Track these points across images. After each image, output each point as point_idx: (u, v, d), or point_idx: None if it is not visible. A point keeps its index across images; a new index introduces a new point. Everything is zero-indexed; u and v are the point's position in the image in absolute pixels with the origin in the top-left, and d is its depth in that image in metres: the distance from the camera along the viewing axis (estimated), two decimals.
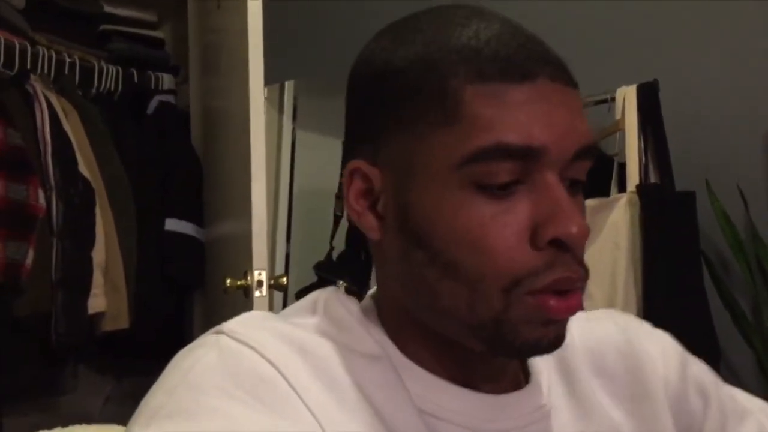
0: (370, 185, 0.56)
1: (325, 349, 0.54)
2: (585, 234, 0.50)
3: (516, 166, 0.50)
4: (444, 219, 0.52)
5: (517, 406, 0.58)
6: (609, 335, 0.68)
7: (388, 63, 0.54)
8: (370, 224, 0.57)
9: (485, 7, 0.56)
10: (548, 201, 0.50)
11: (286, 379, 0.50)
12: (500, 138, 0.49)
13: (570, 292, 0.51)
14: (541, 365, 0.62)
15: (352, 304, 0.59)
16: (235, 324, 0.53)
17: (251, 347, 0.51)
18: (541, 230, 0.50)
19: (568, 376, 0.63)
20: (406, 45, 0.54)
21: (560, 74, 0.52)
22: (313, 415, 0.50)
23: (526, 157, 0.50)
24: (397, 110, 0.54)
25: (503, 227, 0.50)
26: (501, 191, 0.51)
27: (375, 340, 0.57)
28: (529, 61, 0.51)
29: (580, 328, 0.66)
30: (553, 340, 0.53)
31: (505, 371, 0.60)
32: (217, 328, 0.53)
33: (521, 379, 0.61)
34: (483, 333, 0.52)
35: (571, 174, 0.52)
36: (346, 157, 0.58)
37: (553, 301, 0.51)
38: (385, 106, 0.54)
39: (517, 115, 0.50)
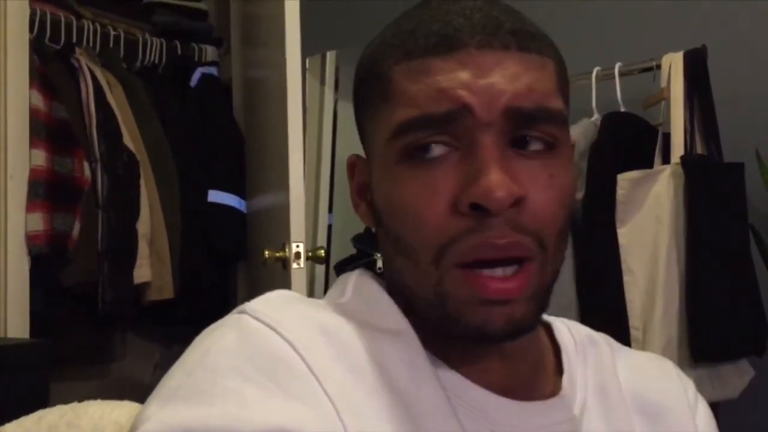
0: (363, 177, 0.59)
1: (348, 330, 0.54)
2: (507, 196, 0.48)
3: (444, 134, 0.51)
4: (387, 194, 0.54)
5: (537, 415, 0.57)
6: (668, 385, 0.66)
7: (361, 59, 0.59)
8: (362, 213, 0.60)
9: None
10: (473, 164, 0.50)
11: (305, 361, 0.50)
12: (422, 109, 0.51)
13: (516, 270, 0.50)
14: (579, 384, 0.61)
15: (380, 283, 0.59)
16: (258, 303, 0.54)
17: (272, 328, 0.51)
18: (462, 195, 0.50)
19: (606, 401, 0.61)
20: (375, 40, 0.58)
21: (496, 40, 0.51)
22: (330, 398, 0.49)
23: (450, 123, 0.50)
24: (363, 103, 0.58)
25: (431, 195, 0.51)
26: (430, 160, 0.51)
27: (401, 320, 0.56)
28: (457, 32, 0.52)
29: (634, 366, 0.65)
30: (503, 326, 0.50)
31: (535, 374, 0.59)
32: (241, 307, 0.54)
33: (553, 391, 0.60)
34: (434, 312, 0.53)
35: (519, 133, 0.51)
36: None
37: (483, 279, 0.50)
38: (359, 99, 0.59)
39: (437, 85, 0.51)
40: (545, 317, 0.64)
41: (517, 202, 0.49)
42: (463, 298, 0.50)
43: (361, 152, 0.61)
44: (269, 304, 0.54)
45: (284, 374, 0.49)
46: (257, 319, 0.52)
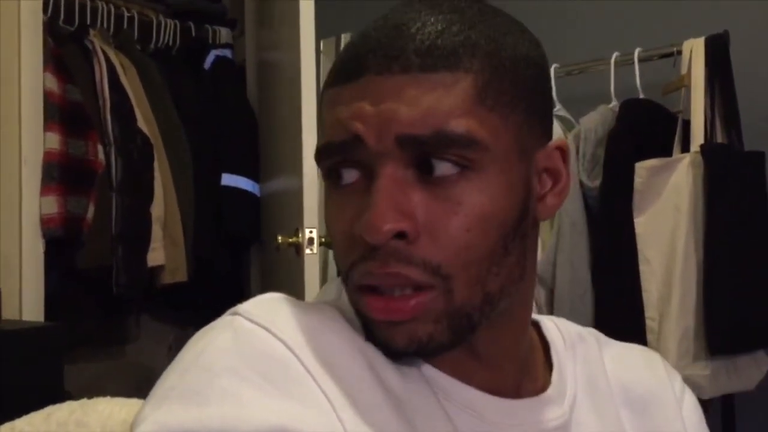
0: None
1: (340, 331, 0.54)
2: (387, 231, 0.49)
3: (351, 161, 0.52)
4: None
5: (527, 411, 0.58)
6: (654, 377, 0.67)
7: None
8: None
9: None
10: (368, 195, 0.51)
11: (300, 360, 0.50)
12: (327, 137, 0.53)
13: (401, 290, 0.50)
14: (569, 380, 0.62)
15: None
16: (251, 305, 0.54)
17: (266, 328, 0.51)
18: (354, 225, 0.51)
19: (595, 395, 0.62)
20: None
21: (395, 64, 0.50)
22: (327, 397, 0.49)
23: (348, 152, 0.52)
24: None
25: (339, 221, 0.53)
26: (341, 185, 0.53)
27: None
28: (359, 60, 0.52)
29: (620, 359, 0.66)
30: (405, 344, 0.51)
31: (524, 372, 0.59)
32: (233, 309, 0.54)
33: (543, 387, 0.60)
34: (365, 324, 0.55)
35: (420, 159, 0.50)
36: None
37: (371, 300, 0.51)
38: None
39: (338, 114, 0.52)
40: (534, 316, 0.64)
41: (402, 235, 0.49)
42: (365, 318, 0.53)
43: None
44: (261, 305, 0.54)
45: (280, 374, 0.49)
46: (251, 321, 0.51)
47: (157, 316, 2.45)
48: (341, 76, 0.53)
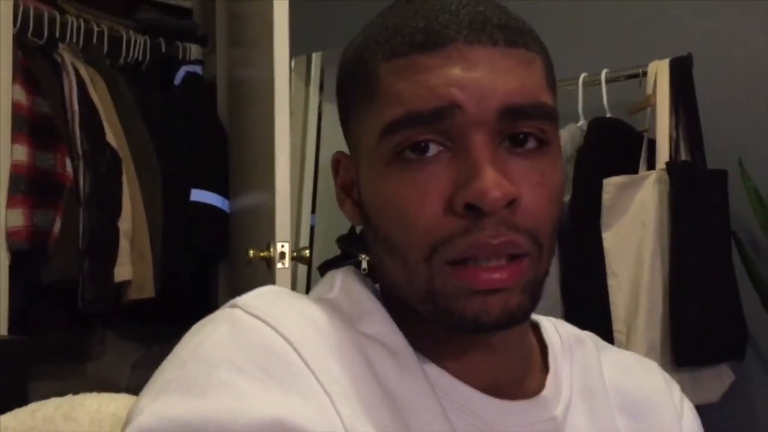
0: (349, 175, 0.59)
1: (338, 326, 0.53)
2: (503, 196, 0.48)
3: (432, 132, 0.50)
4: (376, 195, 0.54)
5: (522, 413, 0.57)
6: (653, 384, 0.66)
7: (344, 57, 0.58)
8: (348, 212, 0.60)
9: None
10: (467, 163, 0.50)
11: (299, 354, 0.49)
12: (408, 107, 0.50)
13: (505, 260, 0.50)
14: (564, 383, 0.61)
15: (369, 284, 0.59)
16: (250, 298, 0.53)
17: (265, 321, 0.50)
18: (456, 195, 0.49)
19: (591, 400, 0.62)
20: (358, 38, 0.57)
21: (484, 36, 0.51)
22: (326, 391, 0.49)
23: (438, 120, 0.50)
24: (349, 100, 0.57)
25: (423, 195, 0.51)
26: (420, 160, 0.51)
27: (386, 321, 0.56)
28: (444, 29, 0.51)
29: (619, 365, 0.66)
30: (498, 314, 0.51)
31: (521, 373, 0.59)
32: (232, 302, 0.53)
33: (538, 390, 0.60)
34: (426, 307, 0.53)
35: (519, 131, 0.51)
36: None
37: (474, 272, 0.50)
38: (345, 97, 0.58)
39: (425, 82, 0.50)
40: (533, 316, 0.64)
41: (511, 202, 0.49)
42: (455, 292, 0.51)
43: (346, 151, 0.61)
44: (260, 298, 0.53)
45: (279, 367, 0.48)
46: (250, 314, 0.51)
47: (122, 333, 2.40)
48: (416, 45, 0.51)
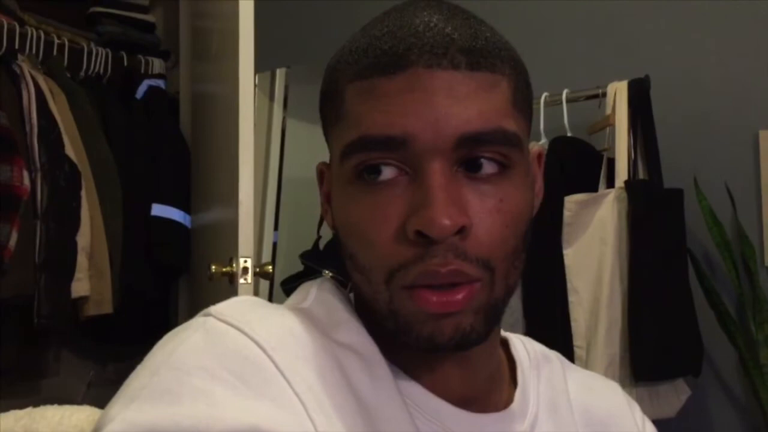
0: (330, 186, 0.59)
1: (312, 335, 0.54)
2: (451, 225, 0.49)
3: (388, 157, 0.51)
4: (341, 212, 0.55)
5: (490, 425, 0.58)
6: (615, 403, 0.69)
7: (325, 72, 0.58)
8: (330, 222, 0.60)
9: (440, 2, 0.56)
10: (420, 190, 0.50)
11: (273, 361, 0.49)
12: (363, 131, 0.51)
13: (454, 285, 0.50)
14: (532, 398, 0.62)
15: (343, 295, 0.59)
16: (224, 307, 0.53)
17: (239, 328, 0.50)
18: (408, 221, 0.50)
19: (556, 415, 0.63)
20: (336, 54, 0.57)
21: (445, 60, 0.50)
22: (299, 398, 0.49)
23: (391, 147, 0.50)
24: (324, 118, 0.58)
25: (381, 220, 0.51)
26: (378, 183, 0.51)
27: (360, 331, 0.56)
28: (404, 52, 0.51)
29: (583, 384, 0.67)
30: (450, 336, 0.51)
31: (490, 387, 0.60)
32: (206, 311, 0.53)
33: (507, 404, 0.61)
34: (388, 324, 0.54)
35: (479, 155, 0.51)
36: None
37: (426, 295, 0.50)
38: (322, 115, 0.59)
39: (382, 107, 0.50)
40: (503, 333, 0.65)
41: (461, 230, 0.50)
42: (411, 314, 0.52)
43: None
44: (234, 307, 0.53)
45: (253, 374, 0.48)
46: (223, 321, 0.51)
47: (78, 351, 2.36)
48: (378, 68, 0.51)
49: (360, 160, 0.51)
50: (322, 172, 0.62)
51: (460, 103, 0.50)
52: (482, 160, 0.51)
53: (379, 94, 0.51)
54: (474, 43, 0.52)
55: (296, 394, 0.49)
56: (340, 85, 0.54)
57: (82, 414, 0.65)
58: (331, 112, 0.55)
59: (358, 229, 0.52)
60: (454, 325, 0.51)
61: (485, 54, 0.52)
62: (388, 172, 0.51)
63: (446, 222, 0.48)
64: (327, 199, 0.61)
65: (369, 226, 0.52)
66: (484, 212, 0.51)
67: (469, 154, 0.51)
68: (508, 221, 0.52)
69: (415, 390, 0.56)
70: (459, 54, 0.51)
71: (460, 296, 0.50)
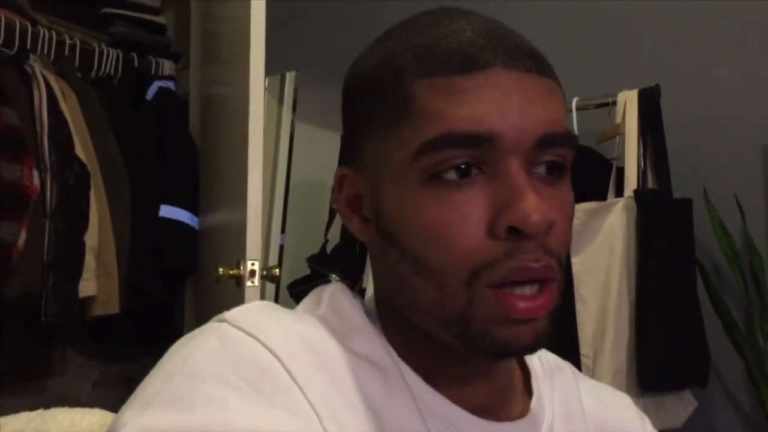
0: (356, 190, 0.58)
1: (326, 342, 0.54)
2: (544, 220, 0.49)
3: (470, 155, 0.50)
4: (407, 215, 0.52)
5: None
6: (628, 416, 0.69)
7: (361, 71, 0.57)
8: (356, 227, 0.59)
9: (471, 10, 0.56)
10: (506, 188, 0.50)
11: (287, 369, 0.49)
12: (447, 128, 0.50)
13: (540, 288, 0.51)
14: (547, 407, 0.62)
15: (357, 301, 0.59)
16: (238, 312, 0.53)
17: (253, 336, 0.50)
18: (498, 218, 0.50)
19: (571, 425, 0.63)
20: (377, 52, 0.56)
21: (519, 62, 0.51)
22: (313, 407, 0.49)
23: (477, 144, 0.50)
24: (367, 115, 0.55)
25: (462, 218, 0.50)
26: (458, 182, 0.50)
27: (374, 339, 0.56)
28: (480, 52, 0.51)
29: (595, 394, 0.67)
30: (528, 342, 0.51)
31: (507, 396, 0.60)
32: (219, 316, 0.53)
33: (522, 413, 0.61)
34: (453, 329, 0.52)
35: (545, 159, 0.52)
36: (342, 164, 0.60)
37: (514, 300, 0.50)
38: (359, 112, 0.56)
39: (464, 104, 0.50)
40: None
41: (549, 227, 0.50)
42: (491, 317, 0.51)
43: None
44: (249, 313, 0.53)
45: (267, 382, 0.48)
46: (238, 328, 0.51)
47: (84, 350, 2.36)
48: (454, 66, 0.51)
49: (442, 158, 0.50)
50: (345, 176, 0.59)
51: (537, 104, 0.51)
52: (551, 163, 0.52)
53: (458, 91, 0.50)
54: (534, 49, 0.53)
55: (310, 403, 0.49)
56: (404, 82, 0.52)
57: (93, 417, 0.65)
58: (387, 112, 0.53)
59: (435, 230, 0.51)
60: (533, 331, 0.51)
61: (545, 60, 0.53)
62: (466, 171, 0.50)
63: (540, 217, 0.49)
64: (349, 205, 0.59)
65: (450, 226, 0.50)
66: (557, 211, 0.52)
67: (543, 154, 0.51)
68: (570, 221, 0.54)
69: (431, 396, 0.55)
70: (528, 58, 0.52)
71: (544, 301, 0.50)
